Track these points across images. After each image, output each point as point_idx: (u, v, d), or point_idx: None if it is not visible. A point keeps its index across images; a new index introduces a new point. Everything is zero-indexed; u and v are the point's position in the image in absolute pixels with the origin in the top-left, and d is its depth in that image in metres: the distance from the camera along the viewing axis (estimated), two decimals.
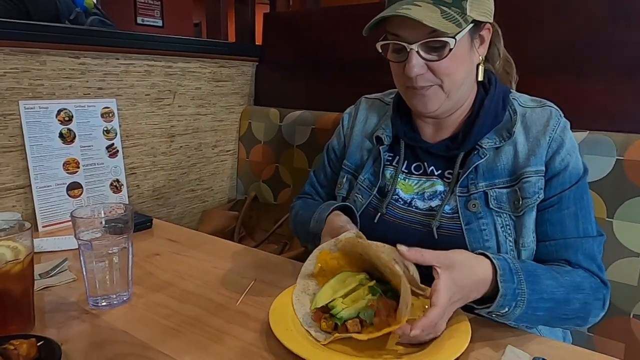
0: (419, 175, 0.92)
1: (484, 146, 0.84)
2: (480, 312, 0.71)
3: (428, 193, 0.89)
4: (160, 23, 4.64)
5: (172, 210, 1.55)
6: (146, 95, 1.41)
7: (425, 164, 0.91)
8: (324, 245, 0.76)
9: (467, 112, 0.90)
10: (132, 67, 1.36)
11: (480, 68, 0.89)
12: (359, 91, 1.51)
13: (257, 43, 1.79)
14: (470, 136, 0.85)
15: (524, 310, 0.70)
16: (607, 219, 1.02)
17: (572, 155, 0.83)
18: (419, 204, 0.88)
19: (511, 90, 0.91)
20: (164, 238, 1.12)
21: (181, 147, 1.53)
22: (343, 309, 0.67)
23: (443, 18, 0.75)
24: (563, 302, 0.74)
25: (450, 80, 0.81)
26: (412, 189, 0.91)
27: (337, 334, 0.65)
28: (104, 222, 0.77)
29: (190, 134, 1.55)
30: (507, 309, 0.69)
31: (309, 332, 0.68)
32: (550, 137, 0.82)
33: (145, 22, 4.46)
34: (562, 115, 0.85)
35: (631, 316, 0.99)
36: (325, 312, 0.69)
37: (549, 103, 0.87)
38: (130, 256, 0.78)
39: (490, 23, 0.84)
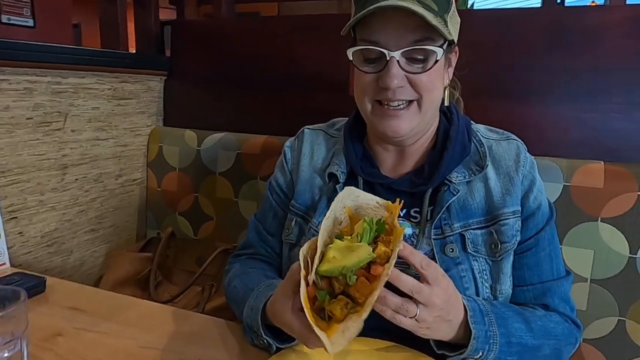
0: None
1: (453, 181, 0.77)
2: None
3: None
4: (31, 23, 3.99)
5: (68, 257, 1.26)
6: (28, 119, 1.12)
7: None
8: None
9: (430, 141, 0.82)
10: (6, 83, 1.07)
11: (447, 92, 0.82)
12: (291, 111, 1.38)
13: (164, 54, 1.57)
14: (439, 170, 0.76)
15: (497, 355, 0.66)
16: None
17: (542, 193, 0.80)
18: None
19: (470, 120, 0.86)
20: (63, 306, 0.87)
21: (77, 179, 1.26)
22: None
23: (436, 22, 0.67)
24: (533, 348, 0.70)
25: (429, 97, 0.73)
26: None
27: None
28: None
29: (87, 164, 1.28)
30: (480, 354, 0.64)
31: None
32: (522, 174, 0.77)
33: (12, 22, 3.80)
34: (527, 148, 0.81)
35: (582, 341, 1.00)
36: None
37: (512, 136, 0.82)
38: None
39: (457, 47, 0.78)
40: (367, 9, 0.67)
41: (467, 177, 0.77)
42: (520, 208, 0.76)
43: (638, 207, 0.97)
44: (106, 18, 1.46)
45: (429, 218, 0.78)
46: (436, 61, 0.70)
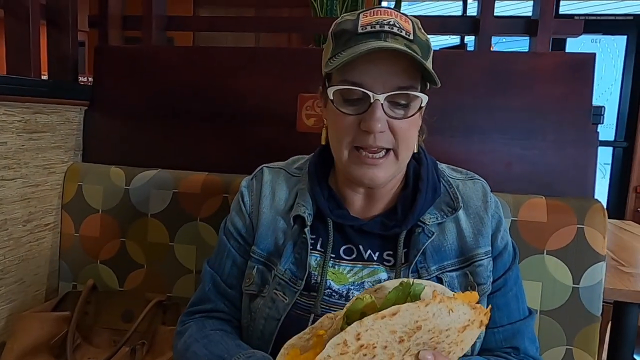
0: (351, 260, 0.77)
1: (427, 223, 0.75)
2: None
3: (369, 283, 0.75)
4: None
5: None
6: None
7: (361, 246, 0.77)
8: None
9: (400, 182, 0.79)
10: None
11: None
12: (232, 147, 1.29)
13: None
14: (413, 212, 0.74)
15: None
16: None
17: (507, 232, 0.81)
18: None
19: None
20: None
21: None
22: None
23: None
24: None
25: (406, 145, 0.71)
26: (346, 279, 0.76)
27: None
28: None
29: None
30: None
31: None
32: (490, 214, 0.78)
33: None
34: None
35: None
36: None
37: (476, 175, 0.84)
38: None
39: None
40: (361, 51, 0.64)
41: (439, 218, 0.76)
42: (490, 248, 0.76)
43: (578, 239, 1.04)
44: (14, 39, 1.27)
45: (403, 261, 0.75)
46: (420, 107, 0.69)
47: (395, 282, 0.53)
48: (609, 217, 1.10)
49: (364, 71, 0.67)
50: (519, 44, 3.59)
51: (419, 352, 0.52)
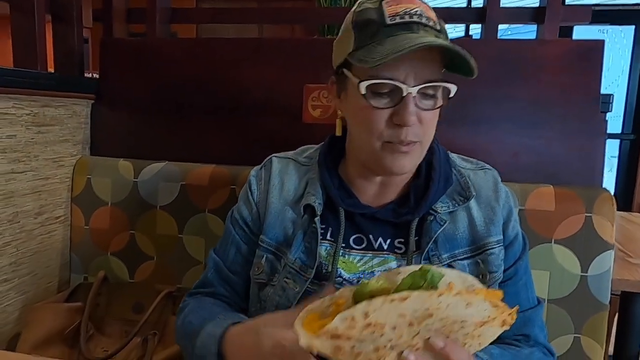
0: (362, 250, 0.77)
1: (439, 211, 0.75)
2: None
3: (379, 272, 0.75)
4: None
5: None
6: None
7: (371, 236, 0.77)
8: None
9: (413, 170, 0.80)
10: None
11: None
12: (238, 139, 1.30)
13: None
14: (426, 200, 0.75)
15: None
16: None
17: (517, 221, 0.81)
18: None
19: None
20: None
21: None
22: None
23: None
24: None
25: (430, 134, 0.72)
26: (356, 268, 0.76)
27: None
28: None
29: (0, 202, 1.08)
30: None
31: None
32: (502, 204, 0.78)
33: None
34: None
35: None
36: None
37: (487, 165, 0.84)
38: None
39: None
40: (410, 46, 0.63)
41: (450, 207, 0.77)
42: (502, 237, 0.77)
43: (586, 227, 1.03)
44: (21, 34, 1.27)
45: (415, 249, 0.75)
46: (449, 98, 0.69)
47: (414, 268, 0.53)
48: (617, 210, 1.09)
49: (396, 65, 0.66)
50: (525, 37, 3.56)
51: (429, 337, 0.52)
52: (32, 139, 1.15)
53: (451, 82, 0.69)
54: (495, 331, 0.56)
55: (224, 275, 0.85)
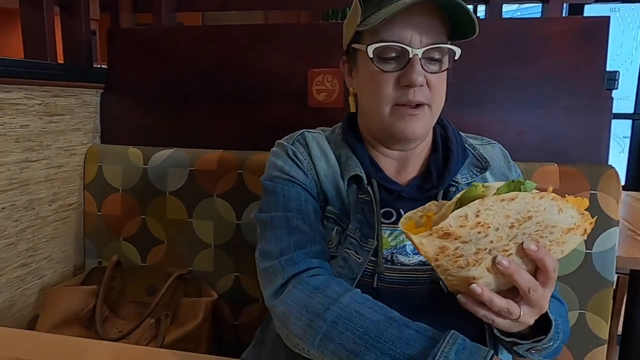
0: (391, 224, 0.77)
1: (460, 182, 0.78)
2: (520, 348, 0.65)
3: (411, 246, 0.75)
4: None
5: None
6: None
7: (401, 210, 0.77)
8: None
9: (429, 146, 0.82)
10: None
11: None
12: (244, 125, 1.32)
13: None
14: (449, 171, 0.77)
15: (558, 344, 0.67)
16: None
17: None
18: (403, 259, 0.74)
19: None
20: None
21: (4, 208, 1.09)
22: None
23: None
24: (568, 337, 0.73)
25: (439, 99, 0.74)
26: (388, 243, 0.76)
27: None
28: None
29: (16, 190, 1.12)
30: (551, 343, 0.65)
31: None
32: (514, 174, 0.82)
33: None
34: None
35: None
36: None
37: (492, 140, 0.87)
38: None
39: None
40: (405, 4, 0.65)
41: (469, 178, 0.79)
42: None
43: (591, 204, 1.02)
44: (30, 26, 1.30)
45: None
46: (454, 60, 0.71)
47: (501, 183, 0.55)
48: (628, 190, 1.09)
49: (401, 28, 0.68)
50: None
51: (522, 242, 0.54)
52: (44, 128, 1.18)
53: (456, 45, 0.71)
54: (576, 239, 0.57)
55: (313, 227, 0.75)
